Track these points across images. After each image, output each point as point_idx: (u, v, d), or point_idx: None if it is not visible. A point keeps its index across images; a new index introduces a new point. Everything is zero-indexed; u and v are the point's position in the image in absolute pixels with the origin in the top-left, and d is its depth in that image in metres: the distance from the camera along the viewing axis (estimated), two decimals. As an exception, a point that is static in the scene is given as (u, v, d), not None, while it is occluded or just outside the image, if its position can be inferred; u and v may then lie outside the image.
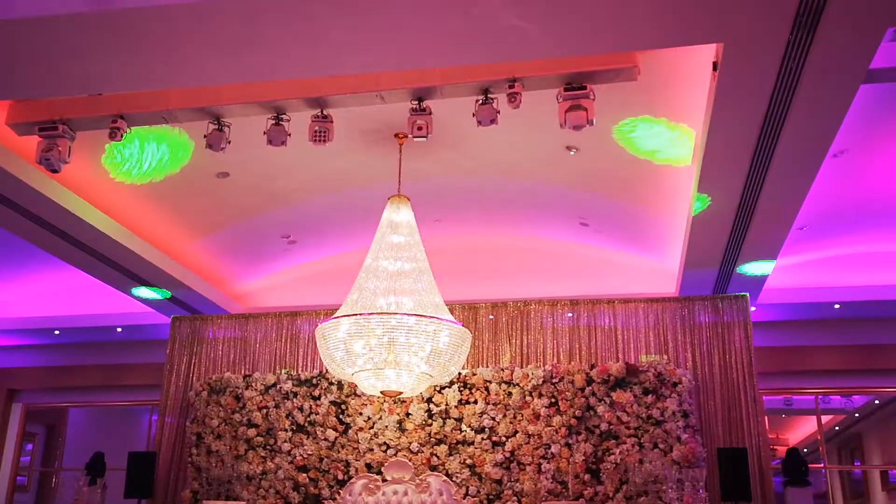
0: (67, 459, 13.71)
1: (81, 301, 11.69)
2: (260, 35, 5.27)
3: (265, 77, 6.14)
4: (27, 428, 13.60)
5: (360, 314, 7.37)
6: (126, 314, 11.74)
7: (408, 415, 9.60)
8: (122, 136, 6.60)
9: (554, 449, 9.13)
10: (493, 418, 9.41)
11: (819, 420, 12.20)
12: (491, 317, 10.22)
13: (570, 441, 9.14)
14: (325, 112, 6.67)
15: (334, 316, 7.62)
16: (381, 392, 7.59)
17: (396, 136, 7.66)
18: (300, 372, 10.31)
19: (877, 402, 14.73)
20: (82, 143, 7.16)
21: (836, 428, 16.60)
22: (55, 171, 6.79)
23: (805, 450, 15.67)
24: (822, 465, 12.42)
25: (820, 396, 12.14)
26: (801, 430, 17.16)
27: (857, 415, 15.61)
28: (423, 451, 9.46)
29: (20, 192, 7.55)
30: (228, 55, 5.54)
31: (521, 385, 9.47)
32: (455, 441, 9.43)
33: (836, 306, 10.62)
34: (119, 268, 9.60)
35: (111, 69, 5.73)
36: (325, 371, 9.91)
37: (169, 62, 5.65)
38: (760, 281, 9.52)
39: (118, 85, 6.21)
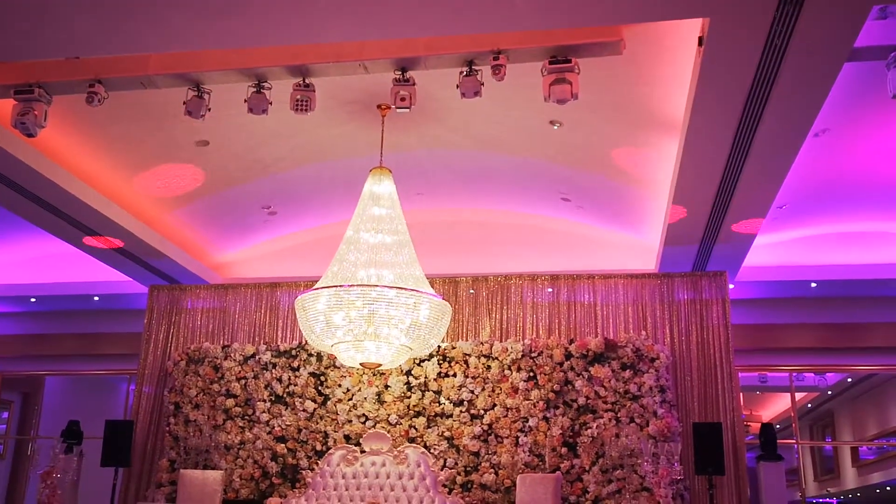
0: (44, 427, 13.64)
1: (58, 269, 11.56)
2: (242, 1, 5.18)
3: (247, 44, 6.06)
4: (3, 396, 13.50)
5: (341, 286, 7.36)
6: (103, 283, 11.62)
7: (387, 387, 9.62)
8: (99, 101, 6.48)
9: (532, 422, 9.20)
10: (472, 391, 9.46)
11: (793, 397, 12.37)
12: (471, 291, 10.23)
13: (548, 415, 9.21)
14: (307, 81, 6.59)
15: (314, 287, 7.60)
16: (361, 364, 7.61)
17: (379, 107, 7.58)
18: (279, 343, 10.29)
19: (849, 380, 14.96)
20: (59, 108, 7.04)
21: (809, 405, 16.88)
22: (31, 136, 6.67)
23: (778, 426, 15.92)
24: (794, 440, 12.61)
25: (794, 374, 12.30)
26: (775, 407, 17.43)
27: (829, 392, 15.85)
28: (401, 423, 9.50)
29: (-5, 157, 7.43)
30: (209, 20, 5.44)
31: (500, 359, 9.52)
32: (433, 413, 9.48)
33: (813, 285, 10.72)
34: (96, 235, 9.48)
35: (89, 32, 5.62)
36: (304, 342, 9.89)
37: (148, 26, 5.55)
38: (739, 258, 9.59)
39: (96, 49, 6.09)
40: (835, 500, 17.03)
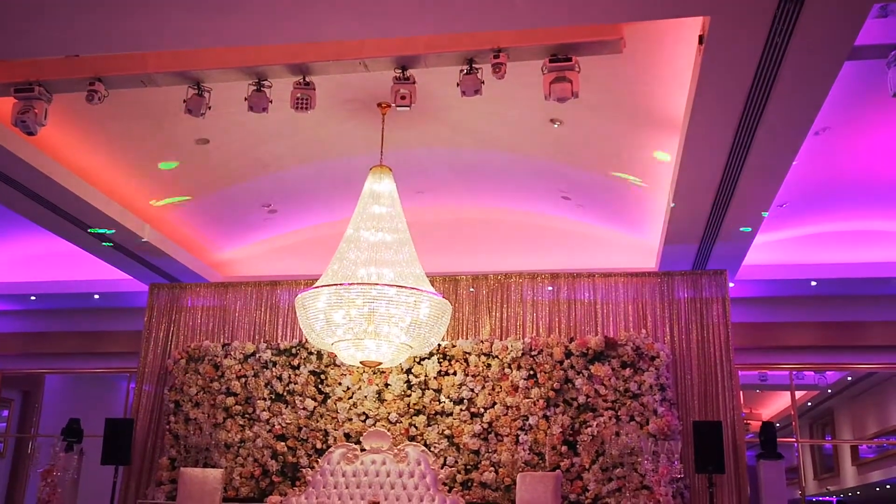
0: (44, 425, 13.65)
1: (58, 267, 11.56)
2: (242, -1, 5.18)
3: (247, 42, 6.05)
4: (3, 394, 13.49)
5: (341, 284, 7.35)
6: (103, 281, 11.62)
7: (387, 385, 9.62)
8: (99, 99, 6.48)
9: (532, 421, 9.20)
10: (472, 390, 9.46)
11: (793, 395, 12.36)
12: (471, 289, 10.23)
13: (548, 413, 9.21)
14: (307, 79, 6.59)
15: (315, 286, 7.60)
16: (361, 362, 7.61)
17: (379, 105, 7.58)
18: (279, 341, 10.29)
19: (849, 378, 14.95)
20: (59, 106, 7.04)
21: (809, 403, 16.87)
22: (31, 134, 6.67)
23: (778, 424, 15.92)
24: (794, 439, 12.61)
25: (794, 372, 12.29)
26: (775, 406, 17.42)
27: (829, 391, 15.85)
28: (401, 422, 9.51)
29: (-5, 155, 7.43)
30: (210, 18, 5.44)
31: (500, 357, 9.52)
32: (434, 412, 9.48)
33: (813, 283, 10.71)
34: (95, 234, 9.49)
35: (89, 30, 5.62)
36: (304, 341, 9.89)
37: (148, 24, 5.54)
38: (740, 256, 9.58)
39: (96, 47, 6.09)
40: (834, 498, 17.03)
